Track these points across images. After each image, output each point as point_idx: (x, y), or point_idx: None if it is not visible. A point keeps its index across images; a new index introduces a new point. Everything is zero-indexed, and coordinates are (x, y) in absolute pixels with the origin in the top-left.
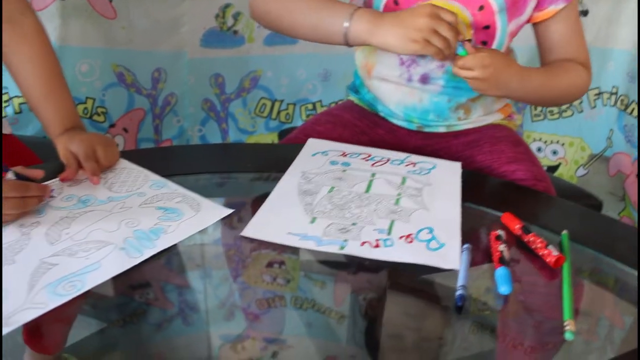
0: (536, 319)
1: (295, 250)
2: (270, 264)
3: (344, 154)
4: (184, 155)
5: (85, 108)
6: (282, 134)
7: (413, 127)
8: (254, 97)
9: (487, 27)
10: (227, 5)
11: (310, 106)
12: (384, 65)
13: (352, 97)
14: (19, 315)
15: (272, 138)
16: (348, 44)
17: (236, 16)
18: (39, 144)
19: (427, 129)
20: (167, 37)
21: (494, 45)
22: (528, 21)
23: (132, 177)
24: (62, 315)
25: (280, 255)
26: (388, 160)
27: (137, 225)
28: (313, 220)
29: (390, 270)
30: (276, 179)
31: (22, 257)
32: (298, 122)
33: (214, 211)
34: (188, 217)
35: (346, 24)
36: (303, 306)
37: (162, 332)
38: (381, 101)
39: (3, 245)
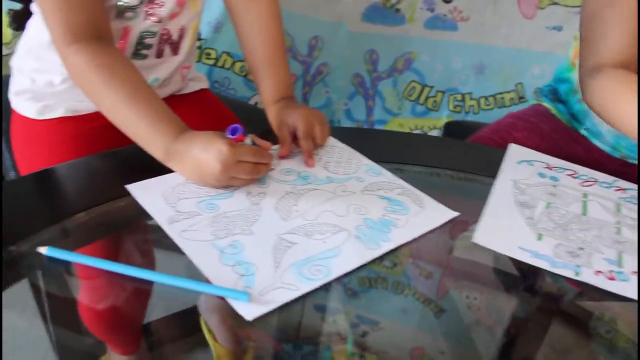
0: None
1: None
2: None
3: (549, 167)
4: (378, 140)
5: (242, 66)
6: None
7: (616, 154)
8: (405, 79)
9: None
10: None
11: (459, 97)
12: None
13: (548, 105)
14: (272, 295)
15: (415, 123)
16: None
17: None
18: None
19: (630, 160)
20: (330, 6)
21: None
22: None
23: (344, 157)
24: None
25: None
26: (595, 181)
27: (365, 213)
28: (539, 237)
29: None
30: (474, 180)
31: (259, 229)
32: (444, 112)
33: (440, 211)
34: (414, 213)
35: None
36: (404, 292)
37: None
38: (593, 118)
39: (237, 212)
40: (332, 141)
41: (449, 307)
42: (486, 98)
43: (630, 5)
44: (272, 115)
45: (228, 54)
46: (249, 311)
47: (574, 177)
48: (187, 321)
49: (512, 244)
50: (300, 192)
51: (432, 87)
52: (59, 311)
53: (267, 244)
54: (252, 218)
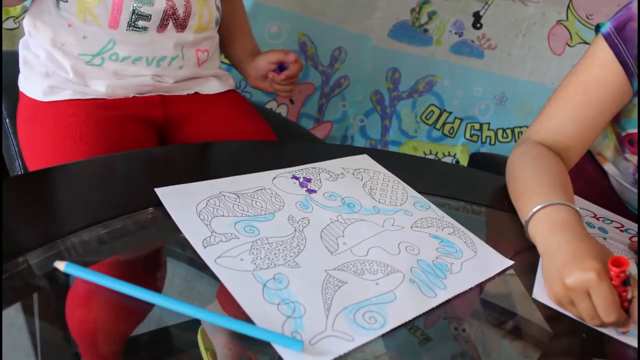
0: None
1: None
2: None
3: (596, 217)
4: (412, 166)
5: None
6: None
7: None
8: (424, 102)
9: None
10: (425, 2)
11: (477, 126)
12: (616, 166)
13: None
14: (325, 344)
15: (430, 148)
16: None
17: (431, 15)
18: None
19: None
20: (359, 19)
21: None
22: None
23: (390, 186)
24: None
25: None
26: None
27: (417, 253)
28: None
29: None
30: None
31: (305, 262)
32: (460, 139)
33: (494, 259)
34: (467, 257)
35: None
36: None
37: None
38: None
39: (279, 239)
40: (376, 166)
41: (435, 337)
42: (504, 130)
43: (601, 103)
44: (254, 61)
45: None
46: None
47: (622, 231)
48: (181, 336)
49: None
50: (346, 221)
51: (450, 112)
52: (47, 307)
53: (315, 280)
54: (296, 248)
